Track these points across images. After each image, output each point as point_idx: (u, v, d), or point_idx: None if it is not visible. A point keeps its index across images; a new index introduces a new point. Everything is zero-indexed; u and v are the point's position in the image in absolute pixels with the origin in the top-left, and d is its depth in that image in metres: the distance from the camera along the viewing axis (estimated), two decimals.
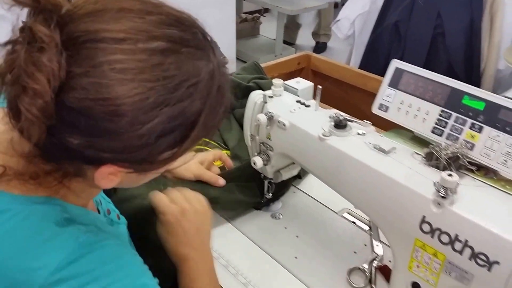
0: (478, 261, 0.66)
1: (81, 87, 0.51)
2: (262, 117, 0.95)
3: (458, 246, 0.68)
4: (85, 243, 0.58)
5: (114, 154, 0.56)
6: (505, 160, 0.71)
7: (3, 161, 0.60)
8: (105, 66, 0.51)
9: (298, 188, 1.23)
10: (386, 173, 0.76)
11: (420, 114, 0.80)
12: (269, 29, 4.82)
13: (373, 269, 0.95)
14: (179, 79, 0.55)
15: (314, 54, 1.81)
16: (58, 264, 0.55)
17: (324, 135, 0.85)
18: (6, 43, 0.53)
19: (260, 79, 1.41)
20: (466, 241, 0.66)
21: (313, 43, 4.81)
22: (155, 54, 0.54)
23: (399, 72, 0.82)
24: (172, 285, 0.82)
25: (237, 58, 3.83)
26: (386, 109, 0.84)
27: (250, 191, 1.14)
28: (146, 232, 0.86)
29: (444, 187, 0.67)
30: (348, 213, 1.14)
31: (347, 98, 1.69)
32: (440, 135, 0.78)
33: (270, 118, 0.95)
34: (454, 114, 0.76)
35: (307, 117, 0.93)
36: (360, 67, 2.14)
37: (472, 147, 0.74)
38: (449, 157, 0.73)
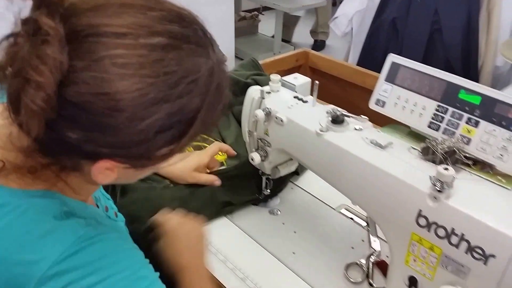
0: (474, 254, 0.66)
1: (82, 81, 0.51)
2: (260, 113, 0.95)
3: (454, 239, 0.68)
4: (85, 236, 0.58)
5: (112, 149, 0.56)
6: (501, 155, 0.71)
7: (2, 155, 0.60)
8: (106, 61, 0.52)
9: (296, 184, 1.23)
10: (383, 168, 0.76)
11: (417, 109, 0.80)
12: (268, 27, 4.82)
13: (371, 264, 0.96)
14: (179, 75, 0.55)
15: (312, 51, 1.82)
16: (58, 257, 0.56)
17: (321, 131, 0.86)
18: (8, 36, 0.53)
19: (258, 76, 1.42)
20: (463, 234, 0.67)
21: (311, 41, 4.81)
22: (156, 50, 0.54)
23: (395, 66, 0.82)
24: None
25: (236, 56, 3.82)
26: (383, 104, 0.84)
27: (248, 189, 1.14)
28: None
29: (440, 181, 0.67)
30: (346, 209, 1.14)
31: (345, 95, 1.69)
32: (437, 130, 0.78)
33: (268, 114, 0.95)
34: (451, 109, 0.76)
35: (305, 113, 0.93)
36: (358, 64, 2.14)
37: (468, 141, 0.74)
38: (446, 151, 0.73)
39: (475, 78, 2.09)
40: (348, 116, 0.87)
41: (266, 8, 4.70)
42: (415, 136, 0.82)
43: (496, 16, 2.00)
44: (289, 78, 1.04)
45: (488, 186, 0.72)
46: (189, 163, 1.13)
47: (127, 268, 0.61)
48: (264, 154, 1.03)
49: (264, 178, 1.11)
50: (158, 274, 0.66)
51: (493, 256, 0.64)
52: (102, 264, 0.58)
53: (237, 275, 0.95)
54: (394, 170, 0.75)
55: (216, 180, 1.13)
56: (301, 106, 0.95)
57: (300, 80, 1.03)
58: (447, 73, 0.77)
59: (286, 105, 0.95)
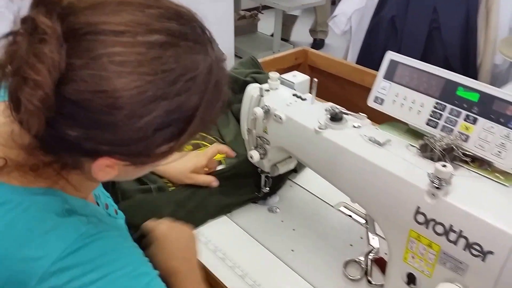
0: (473, 251, 0.66)
1: (80, 79, 0.52)
2: (259, 111, 0.95)
3: (452, 236, 0.68)
4: (87, 234, 0.59)
5: (112, 146, 0.56)
6: (499, 152, 0.71)
7: (4, 153, 0.60)
8: (105, 59, 0.52)
9: (295, 182, 1.23)
10: (381, 165, 0.76)
11: (415, 106, 0.80)
12: (267, 26, 4.82)
13: (369, 261, 0.96)
14: (177, 72, 0.55)
15: (311, 50, 1.82)
16: (60, 254, 0.56)
17: (320, 128, 0.86)
18: (7, 34, 0.53)
19: (257, 74, 1.42)
20: (461, 231, 0.67)
21: (310, 40, 4.81)
22: (154, 47, 0.54)
23: (393, 64, 0.82)
24: None
25: (235, 55, 3.82)
26: (381, 101, 0.85)
27: (246, 187, 1.14)
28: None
29: (438, 177, 0.68)
30: (345, 207, 1.14)
31: (344, 93, 1.69)
32: (435, 127, 0.78)
33: (267, 112, 0.95)
34: (449, 106, 0.76)
35: (303, 110, 0.93)
36: (357, 63, 2.15)
37: (466, 138, 0.75)
38: (444, 148, 0.73)
39: (474, 76, 2.09)
40: (347, 114, 0.87)
41: (266, 7, 4.70)
42: (414, 133, 0.83)
43: (495, 15, 2.00)
44: (288, 76, 1.04)
45: (486, 183, 0.72)
46: (187, 165, 1.13)
47: (127, 265, 0.61)
48: (263, 152, 1.03)
49: (263, 176, 1.11)
50: (157, 272, 0.66)
51: (491, 252, 0.64)
52: (103, 261, 0.59)
53: (236, 273, 0.95)
54: (392, 167, 0.75)
55: (213, 181, 1.13)
56: (299, 104, 0.95)
57: (299, 78, 1.03)
58: (445, 70, 0.77)
59: (285, 103, 0.95)
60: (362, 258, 0.97)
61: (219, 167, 1.22)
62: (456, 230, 0.67)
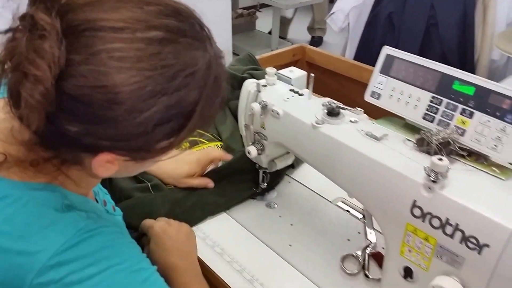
0: (469, 244, 0.66)
1: (80, 75, 0.52)
2: (256, 106, 0.95)
3: (449, 230, 0.68)
4: (85, 229, 0.59)
5: (112, 142, 0.57)
6: (495, 145, 0.72)
7: (4, 148, 0.61)
8: (104, 54, 0.52)
9: (292, 178, 1.23)
10: (378, 159, 0.76)
11: (412, 101, 0.80)
12: (265, 24, 4.82)
13: (366, 256, 0.96)
14: (176, 68, 0.56)
15: (309, 46, 1.82)
16: (58, 248, 0.56)
17: (317, 123, 0.86)
18: (6, 31, 0.54)
19: (254, 70, 1.42)
20: (457, 224, 0.67)
21: (308, 37, 4.81)
22: (153, 44, 0.55)
23: (390, 58, 0.83)
24: None
25: (234, 53, 3.83)
26: (378, 96, 0.85)
27: (244, 183, 1.14)
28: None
29: (434, 171, 0.68)
30: (342, 202, 1.14)
31: (342, 89, 1.70)
32: (432, 122, 0.78)
33: (264, 107, 0.95)
34: (445, 100, 0.76)
35: (301, 106, 0.93)
36: (355, 59, 2.14)
37: (463, 132, 0.75)
38: (440, 142, 0.73)
39: (472, 72, 2.07)
40: (344, 109, 0.88)
41: (263, 5, 4.69)
42: (410, 128, 0.83)
43: (492, 10, 2.00)
44: (285, 71, 1.04)
45: (483, 176, 0.72)
46: (178, 171, 1.11)
47: (126, 260, 0.61)
48: (260, 148, 1.04)
49: (261, 172, 1.12)
50: (156, 267, 0.66)
51: (487, 245, 0.64)
52: (102, 255, 0.59)
53: (234, 268, 0.96)
54: (389, 161, 0.75)
55: (209, 183, 1.13)
56: (297, 99, 0.95)
57: (296, 73, 1.03)
58: (441, 64, 0.77)
59: (282, 98, 0.95)
60: (359, 253, 0.97)
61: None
62: (453, 223, 0.68)
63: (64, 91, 0.52)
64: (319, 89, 1.12)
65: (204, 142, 1.27)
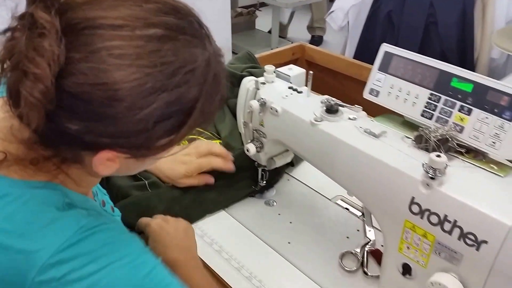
0: (467, 240, 0.66)
1: (80, 72, 0.52)
2: (255, 104, 0.95)
3: (447, 226, 0.68)
4: (87, 226, 0.59)
5: (112, 139, 0.57)
6: (493, 142, 0.72)
7: (3, 147, 0.61)
8: (103, 52, 0.53)
9: (292, 176, 1.23)
10: (376, 156, 0.76)
11: (410, 98, 0.80)
12: (265, 23, 4.82)
13: (365, 253, 0.96)
14: (176, 65, 0.56)
15: (309, 45, 1.82)
16: (59, 246, 0.56)
17: (315, 120, 0.86)
18: (5, 31, 0.54)
19: (253, 69, 1.42)
20: (455, 221, 0.67)
21: (308, 37, 4.81)
22: (152, 41, 0.55)
23: (388, 56, 0.83)
24: None
25: (233, 52, 3.83)
26: (376, 93, 0.85)
27: (242, 181, 1.14)
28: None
29: (432, 168, 0.68)
30: (342, 200, 1.14)
31: (342, 88, 1.70)
32: (430, 119, 0.78)
33: (263, 105, 0.96)
34: (443, 97, 0.76)
35: (299, 103, 0.93)
36: (354, 58, 2.15)
37: (461, 129, 0.75)
38: (438, 139, 0.74)
39: (471, 70, 2.09)
40: (342, 106, 0.88)
41: (263, 4, 4.69)
42: (409, 125, 0.83)
43: (491, 8, 2.00)
44: (284, 69, 1.04)
45: (481, 173, 0.72)
46: (175, 172, 1.09)
47: (127, 255, 0.61)
48: (259, 145, 1.04)
49: (260, 170, 1.12)
50: (160, 259, 0.66)
51: (485, 242, 0.65)
52: (103, 252, 0.59)
53: (232, 265, 0.96)
54: (387, 158, 0.75)
55: (209, 179, 1.11)
56: (295, 97, 0.95)
57: (295, 71, 1.04)
58: (439, 61, 0.77)
59: (280, 96, 0.95)
60: (358, 250, 0.98)
61: None
62: (451, 220, 0.68)
63: (64, 89, 0.52)
64: (318, 88, 1.13)
65: (202, 141, 1.26)
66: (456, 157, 0.75)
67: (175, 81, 0.56)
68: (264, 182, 1.13)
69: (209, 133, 1.32)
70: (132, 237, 0.66)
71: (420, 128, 0.76)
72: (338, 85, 1.72)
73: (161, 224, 0.89)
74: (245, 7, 4.96)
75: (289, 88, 0.97)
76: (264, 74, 0.99)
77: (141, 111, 0.55)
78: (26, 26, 0.52)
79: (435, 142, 0.73)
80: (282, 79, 1.02)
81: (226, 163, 1.11)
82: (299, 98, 0.95)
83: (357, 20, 2.32)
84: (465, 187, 0.69)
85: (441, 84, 0.77)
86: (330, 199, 1.15)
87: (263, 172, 1.12)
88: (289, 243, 1.02)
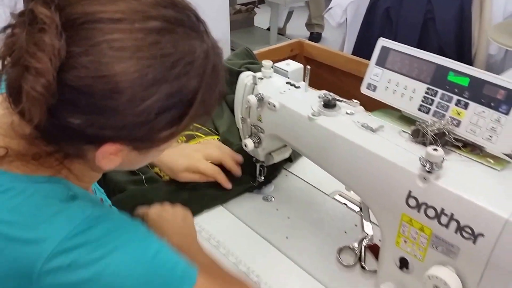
0: (464, 234, 0.67)
1: (81, 66, 0.53)
2: (252, 98, 0.95)
3: (444, 220, 0.68)
4: (92, 216, 0.60)
5: (114, 131, 0.57)
6: (490, 136, 0.72)
7: (4, 143, 0.61)
8: (104, 45, 0.53)
9: (290, 172, 1.23)
10: (373, 150, 0.77)
11: (407, 93, 0.80)
12: (264, 20, 4.82)
13: (363, 248, 0.96)
14: (175, 57, 0.57)
15: (307, 41, 1.82)
16: (67, 234, 0.57)
17: (313, 115, 0.86)
18: (5, 28, 0.55)
19: (251, 64, 1.42)
20: (452, 214, 0.67)
21: (307, 34, 4.81)
22: (152, 33, 0.56)
23: (385, 50, 0.83)
24: None
25: (232, 49, 3.82)
26: (374, 88, 0.85)
27: (241, 177, 1.14)
28: None
29: (429, 161, 0.68)
30: (340, 195, 1.14)
31: (341, 84, 1.70)
32: (427, 113, 0.78)
33: (260, 100, 0.96)
34: (440, 91, 0.76)
35: (297, 98, 0.93)
36: (353, 54, 2.15)
37: (458, 123, 0.75)
38: (435, 133, 0.74)
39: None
40: (340, 101, 0.88)
41: (262, 1, 4.69)
42: (406, 120, 0.83)
43: (489, 4, 2.00)
44: (281, 64, 1.04)
45: (477, 167, 0.72)
46: (178, 164, 1.08)
47: (133, 239, 0.62)
48: (257, 141, 1.04)
49: (258, 165, 1.12)
50: (165, 241, 0.66)
51: (482, 235, 0.65)
52: (109, 238, 0.59)
53: (230, 260, 0.96)
54: (384, 152, 0.75)
55: (211, 178, 1.10)
56: (293, 92, 0.95)
57: (292, 66, 1.03)
58: (436, 55, 0.77)
59: (278, 91, 0.95)
60: (356, 245, 0.98)
61: None
62: (448, 213, 0.68)
63: (65, 83, 0.53)
64: (317, 84, 1.13)
65: (200, 136, 1.27)
66: (453, 151, 0.75)
67: (175, 72, 0.57)
68: (262, 177, 1.13)
69: (207, 129, 1.32)
70: (136, 223, 0.66)
71: (417, 122, 0.76)
72: (336, 81, 1.72)
73: (159, 212, 0.89)
74: (243, 4, 4.96)
75: (287, 83, 0.98)
76: (262, 69, 0.99)
77: (142, 102, 0.55)
78: (26, 22, 0.53)
79: (432, 136, 0.74)
80: (280, 74, 1.02)
81: (226, 182, 1.11)
82: (296, 93, 0.95)
83: (355, 16, 2.32)
84: (461, 181, 0.69)
85: (438, 78, 0.77)
86: (328, 195, 1.15)
87: (261, 168, 1.12)
88: (287, 238, 1.02)
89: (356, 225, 1.05)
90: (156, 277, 0.61)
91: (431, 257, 0.73)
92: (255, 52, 1.56)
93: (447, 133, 0.74)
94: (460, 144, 0.75)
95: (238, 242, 1.01)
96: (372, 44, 0.84)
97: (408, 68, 0.80)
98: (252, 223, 1.06)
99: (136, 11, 0.56)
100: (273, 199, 1.14)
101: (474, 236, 0.66)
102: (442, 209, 0.68)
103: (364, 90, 0.87)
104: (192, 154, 1.10)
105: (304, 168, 1.24)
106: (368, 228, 1.01)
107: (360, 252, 0.96)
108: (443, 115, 0.76)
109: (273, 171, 1.18)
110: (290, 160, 1.23)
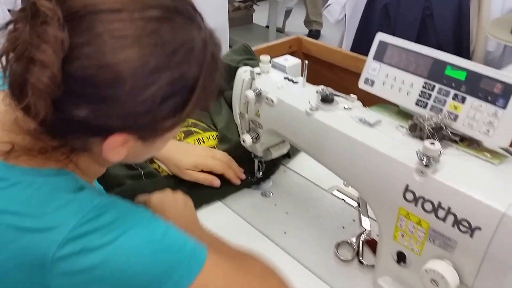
0: (461, 227, 0.67)
1: (84, 56, 0.54)
2: (250, 94, 0.96)
3: (441, 213, 0.69)
4: (100, 204, 0.60)
5: (120, 121, 0.58)
6: (487, 130, 0.72)
7: (10, 138, 0.62)
8: (105, 35, 0.54)
9: (288, 168, 1.24)
10: (371, 144, 0.77)
11: (405, 87, 0.80)
12: (262, 17, 4.81)
13: (361, 243, 0.97)
14: (175, 44, 0.58)
15: (306, 38, 1.82)
16: (78, 221, 0.57)
17: (311, 110, 0.86)
18: (7, 23, 0.56)
19: (249, 61, 1.42)
20: (449, 208, 0.68)
21: (306, 31, 4.81)
22: (151, 22, 0.57)
23: (383, 45, 0.83)
24: None
25: (230, 47, 3.82)
26: (372, 83, 0.85)
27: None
28: None
29: (426, 155, 0.68)
30: (338, 191, 1.15)
31: (339, 80, 1.70)
32: (424, 107, 0.78)
33: (258, 95, 0.96)
34: (437, 86, 0.77)
35: (295, 93, 0.94)
36: (351, 51, 2.15)
37: (455, 118, 0.75)
38: (433, 127, 0.74)
39: None
40: (338, 96, 0.88)
41: None
42: (404, 115, 0.83)
43: (487, 1, 2.00)
44: (280, 59, 1.04)
45: (475, 161, 0.73)
46: (185, 161, 1.08)
47: (141, 222, 0.62)
48: (255, 136, 1.04)
49: (256, 161, 1.12)
50: (171, 223, 0.66)
51: (479, 228, 0.65)
52: (117, 224, 0.60)
53: None
54: (382, 146, 0.76)
55: (214, 180, 1.10)
56: (291, 87, 0.95)
57: (290, 61, 1.04)
58: (433, 49, 0.78)
59: (276, 86, 0.95)
60: (354, 240, 0.98)
61: None
62: (445, 207, 0.68)
63: (70, 74, 0.54)
64: (315, 80, 1.12)
65: (198, 132, 1.27)
66: (450, 145, 0.75)
67: (176, 60, 0.58)
68: (261, 173, 1.14)
69: (205, 125, 1.32)
70: (141, 209, 0.67)
71: (415, 117, 0.76)
72: (335, 78, 1.72)
73: (160, 199, 0.89)
74: (242, 2, 4.95)
75: (285, 78, 0.98)
76: (260, 64, 0.99)
77: (145, 90, 0.56)
78: (29, 16, 0.53)
79: (429, 130, 0.74)
80: (278, 69, 1.02)
81: (235, 177, 1.13)
82: (294, 88, 0.95)
83: (354, 13, 2.32)
84: (459, 175, 0.69)
85: (435, 73, 0.77)
86: (326, 190, 1.15)
87: (259, 164, 1.12)
88: (285, 233, 1.02)
89: (354, 220, 1.06)
90: (166, 256, 0.61)
91: (428, 251, 0.73)
92: (253, 48, 1.56)
93: (444, 127, 0.74)
94: (457, 138, 0.75)
95: (236, 237, 0.99)
96: (371, 41, 0.85)
97: (405, 62, 0.80)
98: (251, 219, 1.06)
99: (135, 1, 0.57)
100: (271, 194, 1.14)
101: (471, 230, 0.66)
102: (439, 203, 0.69)
103: (362, 85, 0.87)
104: (201, 153, 1.12)
105: (302, 164, 1.24)
106: (366, 223, 1.01)
107: (358, 246, 0.96)
108: (441, 110, 0.77)
109: (272, 166, 1.18)
110: (288, 156, 1.23)
